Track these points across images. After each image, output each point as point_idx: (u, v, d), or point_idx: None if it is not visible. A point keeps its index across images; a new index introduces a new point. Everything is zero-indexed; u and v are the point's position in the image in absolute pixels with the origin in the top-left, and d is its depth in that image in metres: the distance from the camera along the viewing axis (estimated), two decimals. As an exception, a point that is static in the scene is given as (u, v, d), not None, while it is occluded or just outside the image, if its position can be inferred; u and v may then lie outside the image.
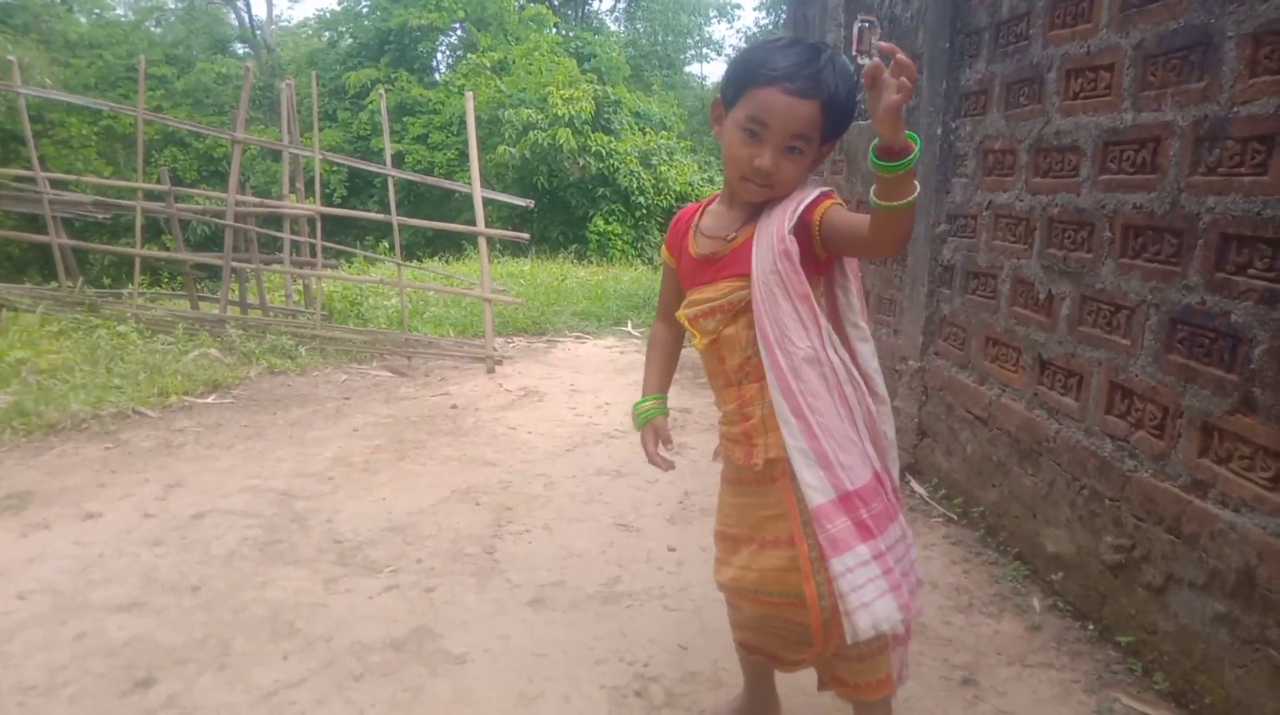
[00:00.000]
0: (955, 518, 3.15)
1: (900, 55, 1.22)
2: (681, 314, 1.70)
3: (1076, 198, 2.46)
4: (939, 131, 3.26)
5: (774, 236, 1.52)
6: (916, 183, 1.33)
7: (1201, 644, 2.00)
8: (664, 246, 1.81)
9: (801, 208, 1.51)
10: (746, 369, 1.61)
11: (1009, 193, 2.82)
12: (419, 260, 12.99)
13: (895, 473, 1.66)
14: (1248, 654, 1.86)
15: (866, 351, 1.65)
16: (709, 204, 1.73)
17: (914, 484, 3.44)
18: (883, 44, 1.25)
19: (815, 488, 1.52)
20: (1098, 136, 2.37)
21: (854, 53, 1.31)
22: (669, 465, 1.81)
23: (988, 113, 2.97)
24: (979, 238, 3.02)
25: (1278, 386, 1.78)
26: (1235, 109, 1.89)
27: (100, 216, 6.76)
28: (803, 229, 1.52)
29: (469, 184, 5.95)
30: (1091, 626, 2.39)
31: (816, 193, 1.53)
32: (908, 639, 1.69)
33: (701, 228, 1.68)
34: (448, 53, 22.85)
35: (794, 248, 1.49)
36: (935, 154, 3.28)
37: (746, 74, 1.51)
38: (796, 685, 2.04)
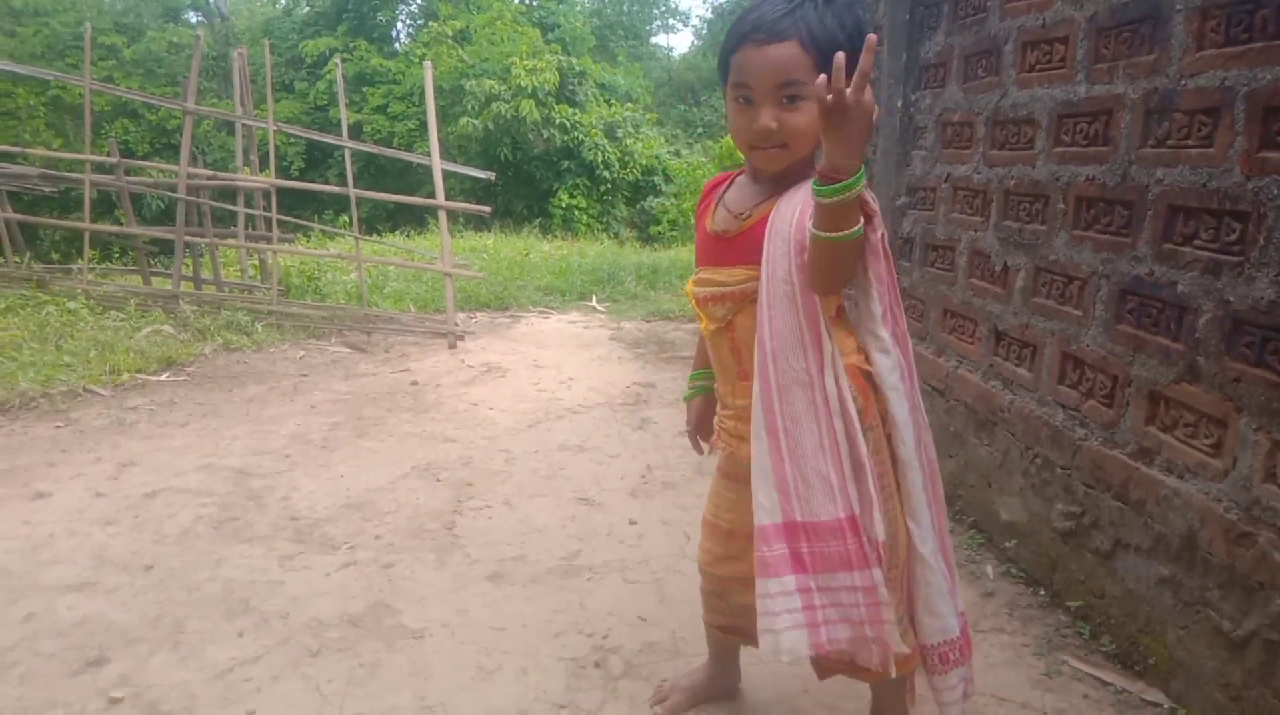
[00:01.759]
0: (912, 488, 3.18)
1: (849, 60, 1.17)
2: (689, 292, 1.62)
3: (1032, 170, 2.48)
4: (899, 104, 3.26)
5: (791, 239, 1.40)
6: (861, 218, 1.25)
7: (1146, 607, 2.05)
8: (695, 214, 1.72)
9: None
10: None
11: (967, 165, 2.84)
12: (379, 234, 12.83)
13: (881, 528, 1.44)
14: (1189, 615, 1.91)
15: (886, 364, 1.48)
16: (739, 175, 1.62)
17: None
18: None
19: (764, 508, 1.46)
20: (1052, 109, 2.38)
21: None
22: (698, 450, 1.88)
23: (946, 85, 2.98)
24: (938, 210, 3.04)
25: (1220, 355, 1.81)
26: (1183, 82, 1.91)
27: (47, 190, 6.58)
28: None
29: (429, 156, 5.86)
30: (1043, 592, 2.44)
31: None
32: (967, 656, 1.60)
33: (725, 200, 1.59)
34: (408, 21, 22.48)
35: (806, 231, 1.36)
36: (895, 127, 3.28)
37: (725, 45, 1.45)
38: (757, 654, 2.06)
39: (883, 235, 1.43)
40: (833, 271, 1.33)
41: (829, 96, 1.16)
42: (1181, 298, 1.92)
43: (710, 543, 1.75)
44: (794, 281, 1.40)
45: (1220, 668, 1.82)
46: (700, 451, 1.88)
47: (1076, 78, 2.28)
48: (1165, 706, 1.96)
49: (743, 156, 1.55)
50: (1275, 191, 1.68)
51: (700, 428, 1.87)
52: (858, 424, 1.44)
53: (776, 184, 1.49)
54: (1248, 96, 1.74)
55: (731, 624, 1.79)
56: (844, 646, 1.48)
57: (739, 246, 1.51)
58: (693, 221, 1.84)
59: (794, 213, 1.41)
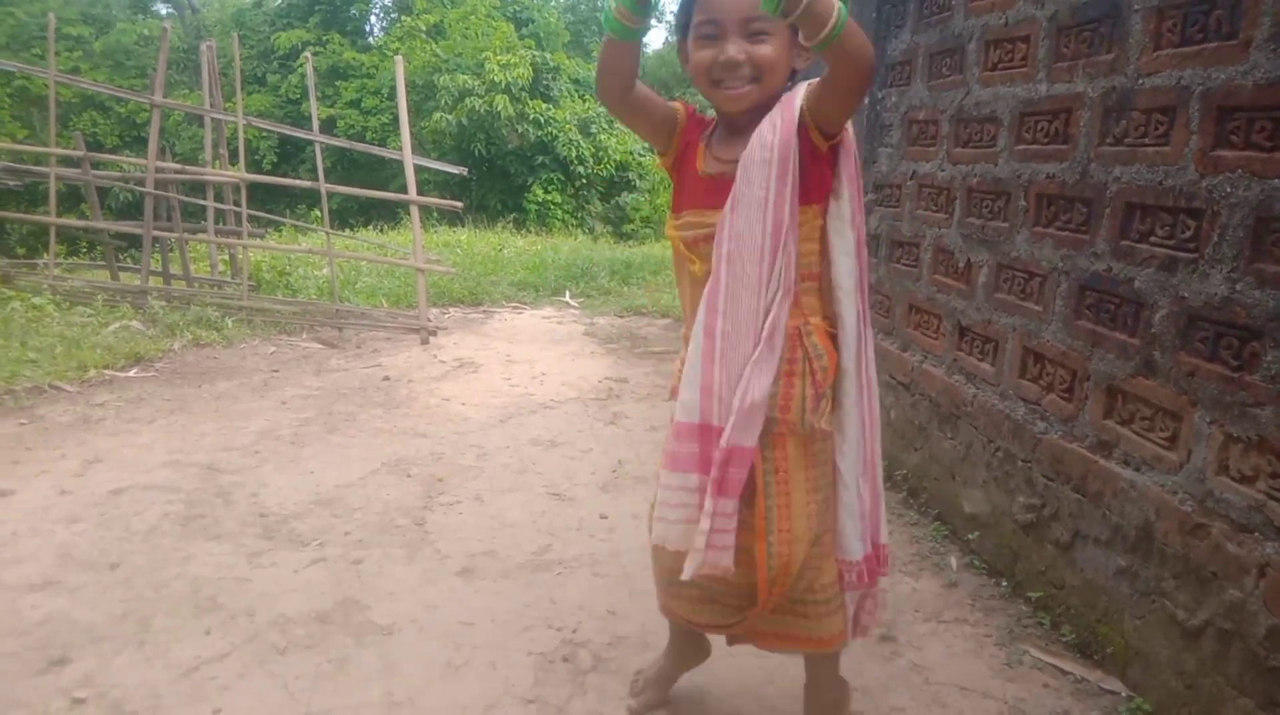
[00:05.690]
0: (880, 481, 3.22)
1: None
2: (675, 234, 1.59)
3: (994, 168, 2.51)
4: (866, 101, 3.29)
5: (773, 147, 1.40)
6: (838, 8, 1.23)
7: (1104, 597, 2.09)
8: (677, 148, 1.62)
9: (798, 100, 1.40)
10: None
11: (931, 163, 2.87)
12: (352, 229, 12.74)
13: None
14: (1145, 605, 1.95)
15: (850, 321, 1.54)
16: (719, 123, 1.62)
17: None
18: None
19: (685, 406, 1.47)
20: (1014, 107, 2.42)
21: None
22: None
23: (912, 83, 3.01)
24: (903, 207, 3.07)
25: (1175, 350, 1.85)
26: (1141, 81, 1.95)
27: (12, 183, 6.48)
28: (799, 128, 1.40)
29: (401, 151, 5.83)
30: (1004, 583, 2.48)
31: (805, 86, 1.43)
32: (870, 585, 1.66)
33: (713, 144, 1.58)
34: (381, 15, 22.27)
35: (793, 139, 1.39)
36: (863, 124, 3.31)
37: None
38: (726, 647, 2.08)
39: (852, 137, 1.49)
40: (847, 64, 1.30)
41: None
42: (1138, 293, 1.96)
43: None
44: (770, 189, 1.41)
45: (1175, 656, 1.86)
46: None
47: (1038, 76, 2.31)
48: (1123, 694, 2.00)
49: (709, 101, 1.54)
50: (1228, 189, 1.72)
51: None
52: (782, 341, 1.46)
53: (754, 127, 1.47)
54: (1202, 95, 1.78)
55: (682, 609, 1.74)
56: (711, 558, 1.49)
57: (731, 188, 1.49)
58: (666, 212, 1.83)
59: (776, 122, 1.41)
